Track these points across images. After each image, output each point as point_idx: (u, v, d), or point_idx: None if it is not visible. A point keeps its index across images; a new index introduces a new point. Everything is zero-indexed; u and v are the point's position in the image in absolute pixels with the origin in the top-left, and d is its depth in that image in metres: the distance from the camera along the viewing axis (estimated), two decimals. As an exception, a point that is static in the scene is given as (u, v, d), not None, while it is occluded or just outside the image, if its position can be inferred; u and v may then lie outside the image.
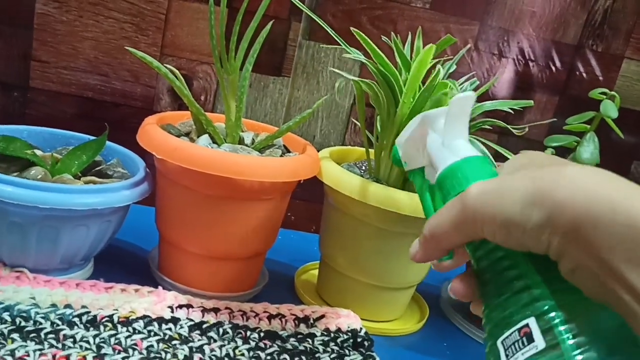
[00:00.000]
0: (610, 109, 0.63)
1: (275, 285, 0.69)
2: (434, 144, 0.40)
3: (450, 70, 0.67)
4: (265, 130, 0.68)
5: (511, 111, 0.64)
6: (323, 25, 0.61)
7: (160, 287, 0.58)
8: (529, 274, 0.32)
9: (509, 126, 0.60)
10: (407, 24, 0.89)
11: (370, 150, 0.67)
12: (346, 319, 0.61)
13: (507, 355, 0.32)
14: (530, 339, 0.30)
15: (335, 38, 0.61)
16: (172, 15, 0.84)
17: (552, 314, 0.30)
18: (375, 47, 0.59)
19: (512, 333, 0.31)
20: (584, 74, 0.97)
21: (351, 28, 0.59)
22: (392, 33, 0.63)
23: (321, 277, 0.69)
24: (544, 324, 0.30)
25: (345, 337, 0.59)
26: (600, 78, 0.98)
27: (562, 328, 0.30)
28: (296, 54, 0.88)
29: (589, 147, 0.64)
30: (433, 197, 0.41)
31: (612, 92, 0.64)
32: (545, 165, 0.35)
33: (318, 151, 0.65)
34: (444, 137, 0.39)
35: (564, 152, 0.68)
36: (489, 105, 0.62)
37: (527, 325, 0.31)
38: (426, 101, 0.57)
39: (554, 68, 0.96)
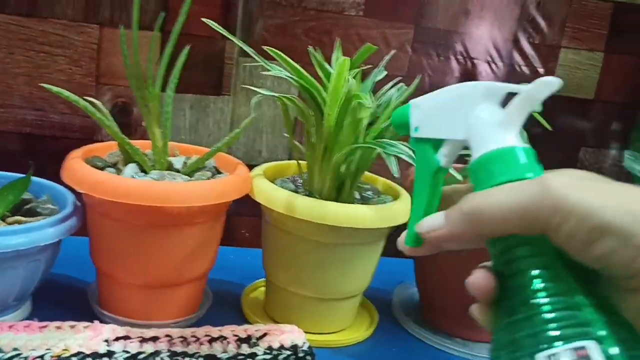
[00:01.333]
0: (533, 104, 0.63)
1: (222, 306, 0.69)
2: (485, 120, 0.34)
3: (379, 77, 0.68)
4: (198, 153, 0.68)
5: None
6: (237, 43, 0.61)
7: (97, 321, 0.58)
8: (577, 293, 0.29)
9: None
10: (342, 32, 0.90)
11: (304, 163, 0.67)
12: (289, 335, 0.61)
13: None
14: None
15: (253, 55, 0.61)
16: (105, 44, 0.84)
17: (615, 348, 0.27)
18: (292, 62, 0.60)
19: (562, 351, 0.28)
20: (524, 68, 0.98)
21: (264, 47, 0.59)
22: (311, 47, 0.64)
23: (267, 294, 0.69)
24: (606, 353, 0.27)
25: (288, 353, 0.59)
26: (541, 70, 0.99)
27: None
28: (234, 72, 0.88)
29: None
30: (435, 182, 0.37)
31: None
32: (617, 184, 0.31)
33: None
34: (505, 116, 0.34)
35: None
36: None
37: (584, 347, 0.27)
38: (346, 112, 0.58)
39: (494, 64, 0.97)
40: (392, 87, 0.66)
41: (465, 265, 0.67)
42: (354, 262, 0.64)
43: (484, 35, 0.95)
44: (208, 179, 0.61)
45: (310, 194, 0.64)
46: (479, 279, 0.32)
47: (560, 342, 0.28)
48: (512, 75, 0.97)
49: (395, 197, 0.67)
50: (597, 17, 0.99)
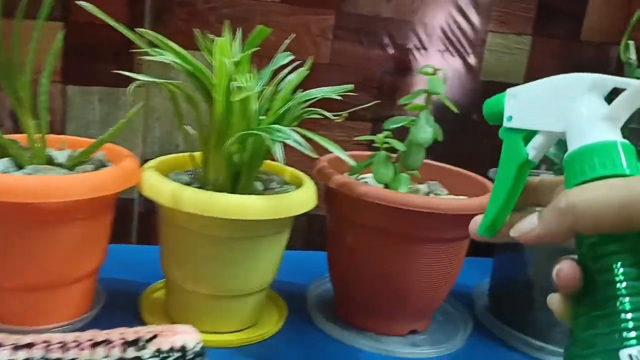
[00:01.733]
0: (436, 85, 0.61)
1: (119, 308, 0.65)
2: (589, 112, 0.33)
3: (282, 62, 0.64)
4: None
5: (339, 97, 0.61)
6: (128, 35, 0.57)
7: (-33, 328, 0.53)
8: None
9: (327, 113, 0.57)
10: (259, 19, 0.86)
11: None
12: (182, 336, 0.57)
13: None
14: None
15: (136, 41, 0.57)
16: (3, 34, 0.79)
17: None
18: (177, 47, 0.56)
19: None
20: (452, 53, 0.96)
21: (138, 29, 0.55)
22: (198, 32, 0.60)
23: (167, 293, 0.66)
24: None
25: (177, 355, 0.55)
26: (471, 56, 0.96)
27: None
28: (144, 62, 0.84)
29: (424, 127, 0.62)
30: (520, 175, 0.36)
31: (440, 68, 0.62)
32: None
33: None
34: (611, 110, 0.33)
35: (405, 132, 0.66)
36: (306, 94, 0.60)
37: None
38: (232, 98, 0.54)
39: (420, 51, 0.94)
40: (290, 71, 0.63)
41: (378, 259, 0.65)
42: (252, 256, 0.60)
43: (408, 20, 0.92)
44: (92, 171, 0.57)
45: (202, 186, 0.60)
46: (566, 269, 0.32)
47: None
48: (440, 61, 0.95)
49: (300, 186, 0.63)
50: (524, 1, 0.97)
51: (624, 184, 0.30)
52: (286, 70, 0.63)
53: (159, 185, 0.57)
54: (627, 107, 0.33)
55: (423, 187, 0.70)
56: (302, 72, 0.59)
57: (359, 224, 0.63)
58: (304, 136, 0.55)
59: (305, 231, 0.97)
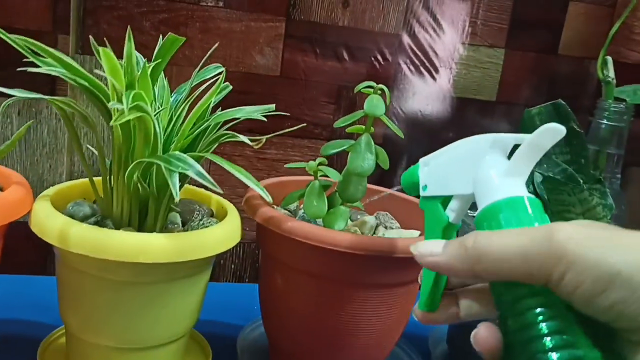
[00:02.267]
0: (375, 106, 0.52)
1: (14, 356, 0.56)
2: (491, 171, 0.33)
3: (207, 76, 0.56)
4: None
5: (264, 119, 0.52)
6: (8, 41, 0.48)
7: None
8: (583, 346, 0.28)
9: (243, 138, 0.48)
10: (199, 26, 0.78)
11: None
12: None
13: None
14: None
15: (18, 48, 0.48)
16: None
17: None
18: (65, 58, 0.47)
19: None
20: (418, 66, 0.88)
21: (15, 37, 0.47)
22: (91, 37, 0.51)
23: (67, 344, 0.57)
24: None
25: None
26: (438, 67, 0.88)
27: None
28: (69, 71, 0.75)
29: (364, 154, 0.53)
30: (447, 236, 0.37)
31: (381, 85, 0.53)
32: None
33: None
34: (510, 167, 0.33)
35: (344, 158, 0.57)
36: (223, 114, 0.51)
37: None
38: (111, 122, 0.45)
39: (380, 62, 0.86)
40: (215, 82, 0.54)
41: (309, 305, 0.56)
42: (160, 303, 0.51)
43: (366, 29, 0.84)
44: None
45: (101, 221, 0.52)
46: (482, 332, 0.31)
47: None
48: (402, 75, 0.87)
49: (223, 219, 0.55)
50: (497, 10, 0.89)
51: (529, 232, 0.29)
52: (207, 86, 0.54)
53: (45, 220, 0.48)
54: (525, 162, 0.33)
55: (370, 220, 0.62)
56: (219, 86, 0.51)
57: (287, 264, 0.55)
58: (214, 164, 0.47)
59: (241, 260, 0.88)
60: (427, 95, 0.89)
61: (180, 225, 0.56)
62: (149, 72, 0.47)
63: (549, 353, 0.28)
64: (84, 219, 0.52)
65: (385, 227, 0.63)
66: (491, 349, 0.31)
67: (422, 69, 0.88)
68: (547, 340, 0.29)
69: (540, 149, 0.33)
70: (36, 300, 0.65)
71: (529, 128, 0.64)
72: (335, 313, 0.54)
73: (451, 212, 0.37)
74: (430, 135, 0.90)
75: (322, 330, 0.56)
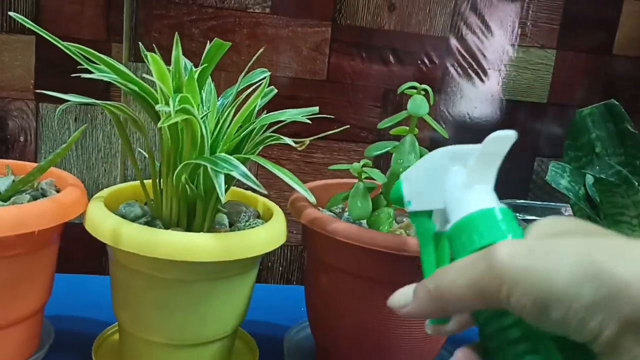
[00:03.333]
0: (419, 106, 0.52)
1: (70, 351, 0.59)
2: (454, 185, 0.34)
3: (253, 80, 0.57)
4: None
5: (308, 121, 0.53)
6: (64, 49, 0.51)
7: None
8: None
9: (288, 140, 0.49)
10: (247, 32, 0.80)
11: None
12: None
13: None
14: None
15: (73, 55, 0.51)
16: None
17: None
18: (117, 64, 0.49)
19: None
20: (467, 69, 0.87)
21: (69, 44, 0.49)
22: (141, 45, 0.53)
23: (120, 340, 0.59)
24: None
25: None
26: (488, 69, 0.87)
27: None
28: (123, 78, 0.78)
29: (408, 155, 0.53)
30: (438, 247, 0.36)
31: (424, 86, 0.53)
32: (597, 234, 0.29)
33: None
34: (469, 178, 0.33)
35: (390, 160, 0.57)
36: (267, 117, 0.52)
37: None
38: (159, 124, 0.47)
39: (427, 66, 0.85)
40: (256, 84, 0.55)
41: (355, 306, 0.56)
42: (208, 301, 0.53)
43: (412, 32, 0.84)
44: (24, 203, 0.51)
45: (151, 221, 0.53)
46: (461, 358, 0.32)
47: None
48: (449, 78, 0.86)
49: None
50: (548, 9, 0.87)
51: (472, 261, 0.29)
52: (252, 90, 0.55)
53: (98, 220, 0.50)
54: (483, 171, 0.32)
55: (416, 222, 0.62)
56: (263, 91, 0.52)
57: (332, 265, 0.55)
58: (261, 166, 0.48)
59: (288, 263, 0.89)
60: (475, 98, 0.88)
61: (228, 226, 0.57)
62: (195, 76, 0.49)
63: None
64: (135, 219, 0.54)
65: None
66: None
67: (470, 71, 0.87)
68: None
69: (495, 157, 0.32)
70: (92, 299, 0.67)
71: (580, 129, 0.63)
72: (380, 314, 0.54)
73: (437, 223, 0.36)
74: (479, 138, 0.88)
75: (367, 332, 0.56)
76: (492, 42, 0.86)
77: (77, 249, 0.80)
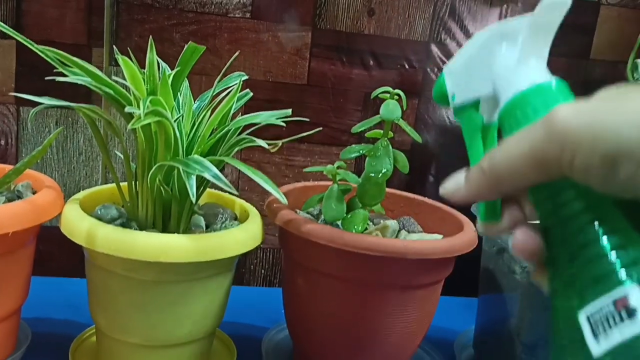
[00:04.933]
0: (391, 111, 0.53)
1: (47, 353, 0.59)
2: (505, 65, 0.31)
3: (228, 85, 0.58)
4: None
5: (282, 124, 0.54)
6: (38, 52, 0.51)
7: None
8: (624, 230, 0.26)
9: (261, 142, 0.50)
10: (227, 36, 0.80)
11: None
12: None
13: (595, 334, 0.25)
14: (632, 313, 0.24)
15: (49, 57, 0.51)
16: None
17: None
18: (89, 67, 0.50)
19: (603, 305, 0.25)
20: (440, 71, 0.88)
21: (45, 48, 0.49)
22: (115, 48, 0.54)
23: (97, 342, 0.59)
24: None
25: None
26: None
27: None
28: (104, 82, 0.78)
29: (382, 159, 0.54)
30: (486, 141, 0.35)
31: (397, 91, 0.54)
32: None
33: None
34: (521, 52, 0.31)
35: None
36: (241, 120, 0.53)
37: (625, 296, 0.24)
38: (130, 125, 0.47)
39: (408, 69, 0.86)
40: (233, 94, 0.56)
41: (330, 307, 0.57)
42: (184, 302, 0.53)
43: (392, 37, 0.85)
44: (1, 204, 0.51)
45: (127, 223, 0.54)
46: (520, 240, 0.30)
47: (600, 295, 0.25)
48: (428, 80, 0.87)
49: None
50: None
51: (529, 131, 0.27)
52: (228, 98, 0.56)
53: (74, 222, 0.51)
54: (537, 44, 0.30)
55: (392, 224, 0.62)
56: (237, 93, 0.52)
57: (307, 267, 0.56)
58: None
59: (271, 266, 0.90)
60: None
61: (204, 228, 0.58)
62: (169, 80, 0.49)
63: (595, 243, 0.26)
64: (111, 221, 0.54)
65: (408, 232, 0.63)
66: (532, 251, 0.30)
67: (449, 75, 0.88)
68: (591, 230, 0.27)
69: (549, 26, 0.30)
70: (70, 301, 0.67)
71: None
72: (356, 315, 0.55)
73: (484, 113, 0.34)
74: (460, 142, 0.89)
75: (343, 332, 0.56)
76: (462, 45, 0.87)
77: (57, 252, 0.81)
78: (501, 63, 0.32)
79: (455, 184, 0.32)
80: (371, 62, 0.85)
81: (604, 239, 0.26)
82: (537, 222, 0.30)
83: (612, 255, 0.25)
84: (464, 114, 0.35)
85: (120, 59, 0.46)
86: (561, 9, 0.30)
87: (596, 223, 0.26)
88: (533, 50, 0.31)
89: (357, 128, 0.55)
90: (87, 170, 0.81)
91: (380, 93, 0.54)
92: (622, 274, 0.25)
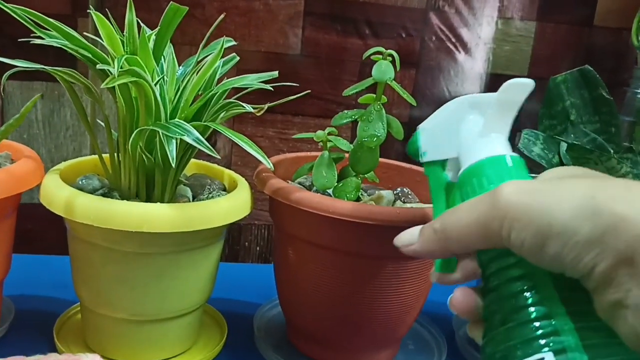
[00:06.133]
0: (384, 72, 0.50)
1: (31, 329, 0.57)
2: (470, 133, 0.35)
3: (215, 49, 0.55)
4: (7, 149, 0.56)
5: (270, 88, 0.51)
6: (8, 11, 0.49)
7: None
8: (552, 301, 0.28)
9: (247, 106, 0.47)
10: (217, 5, 0.77)
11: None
12: (88, 368, 0.49)
13: None
14: None
15: (23, 21, 0.49)
16: None
17: (575, 355, 0.26)
18: (69, 30, 0.47)
19: None
20: (445, 41, 0.85)
21: (15, 6, 0.47)
22: (92, 9, 0.51)
23: (82, 318, 0.57)
24: None
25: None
26: (466, 43, 0.85)
27: None
28: (90, 54, 0.76)
29: (375, 123, 0.52)
30: (449, 197, 0.37)
31: (390, 51, 0.51)
32: (602, 177, 0.30)
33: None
34: (484, 126, 0.34)
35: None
36: (226, 83, 0.50)
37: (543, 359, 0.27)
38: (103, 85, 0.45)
39: (405, 39, 0.84)
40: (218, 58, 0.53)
41: (321, 279, 0.55)
42: (168, 275, 0.51)
43: (390, 5, 0.82)
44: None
45: (108, 193, 0.51)
46: (456, 299, 0.33)
47: (522, 358, 0.28)
48: (426, 49, 0.84)
49: (234, 192, 0.54)
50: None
51: (478, 201, 0.30)
52: (211, 58, 0.53)
53: (52, 191, 0.49)
54: (499, 118, 0.33)
55: (387, 194, 0.60)
56: (219, 54, 0.50)
57: (297, 237, 0.54)
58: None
59: (266, 242, 0.87)
60: (454, 72, 0.86)
61: (191, 198, 0.56)
62: (149, 42, 0.47)
63: (525, 309, 0.29)
64: (92, 192, 0.52)
65: (403, 202, 0.61)
66: (468, 310, 0.32)
67: (448, 44, 0.85)
68: (523, 297, 0.29)
69: (512, 105, 0.33)
70: (56, 279, 0.65)
71: (554, 97, 0.61)
72: (348, 286, 0.53)
73: (449, 172, 0.37)
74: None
75: (334, 304, 0.54)
76: (471, 15, 0.84)
77: (46, 230, 0.79)
78: (467, 131, 0.35)
79: (410, 237, 0.34)
80: (367, 31, 0.82)
81: (533, 308, 0.28)
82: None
83: (537, 324, 0.28)
84: (431, 170, 0.38)
85: (94, 14, 0.44)
86: (524, 89, 0.33)
87: (529, 292, 0.29)
88: (495, 124, 0.33)
89: (348, 91, 0.53)
90: (74, 145, 0.78)
91: (372, 54, 0.51)
92: (542, 341, 0.27)
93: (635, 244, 0.24)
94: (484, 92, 0.87)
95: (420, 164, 0.39)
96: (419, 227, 0.34)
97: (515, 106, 0.33)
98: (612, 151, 0.57)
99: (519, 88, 0.33)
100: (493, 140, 0.33)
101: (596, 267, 0.26)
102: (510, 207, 0.28)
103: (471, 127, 0.34)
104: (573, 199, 0.26)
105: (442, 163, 0.37)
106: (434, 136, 0.38)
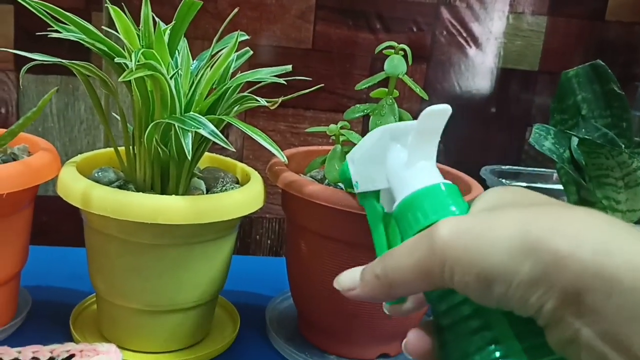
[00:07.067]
0: (396, 66, 0.51)
1: (47, 319, 0.58)
2: (395, 165, 0.33)
3: (228, 42, 0.55)
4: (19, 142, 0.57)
5: (283, 82, 0.52)
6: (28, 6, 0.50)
7: None
8: (506, 339, 0.27)
9: (261, 100, 0.48)
10: (229, 0, 0.78)
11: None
12: (103, 357, 0.50)
13: None
14: None
15: (41, 16, 0.49)
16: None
17: None
18: (84, 23, 0.48)
19: None
20: (456, 36, 0.85)
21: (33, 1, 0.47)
22: (108, 3, 0.52)
23: (97, 308, 0.58)
24: None
25: (85, 381, 0.47)
26: (476, 37, 0.86)
27: None
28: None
29: (387, 117, 0.52)
30: (387, 228, 0.36)
31: (402, 45, 0.52)
32: (537, 204, 0.28)
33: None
34: (409, 157, 0.32)
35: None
36: (240, 77, 0.51)
37: None
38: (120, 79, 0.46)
39: (417, 33, 0.84)
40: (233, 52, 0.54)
41: (332, 271, 0.55)
42: (184, 266, 0.52)
43: (401, 0, 0.82)
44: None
45: (124, 185, 0.52)
46: (412, 339, 0.31)
47: None
48: (437, 44, 0.85)
49: (248, 186, 0.55)
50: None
51: (415, 243, 0.28)
52: (225, 52, 0.54)
53: (69, 183, 0.50)
54: (423, 147, 0.32)
55: (398, 187, 0.60)
56: (234, 48, 0.50)
57: (310, 229, 0.54)
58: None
59: (277, 236, 0.88)
60: (465, 67, 0.86)
61: (205, 191, 0.56)
62: (165, 35, 0.48)
63: (479, 349, 0.28)
64: (108, 184, 0.53)
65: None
66: (423, 353, 0.31)
67: (459, 39, 0.85)
68: (476, 337, 0.28)
69: (433, 132, 0.32)
70: (73, 270, 0.66)
71: (565, 91, 0.61)
72: (359, 279, 0.53)
73: (385, 204, 0.36)
74: (470, 108, 0.87)
75: (343, 296, 0.55)
76: (482, 9, 0.84)
77: (62, 223, 0.80)
78: (393, 162, 0.33)
79: (350, 281, 0.32)
80: (378, 26, 0.82)
81: (488, 348, 0.27)
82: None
83: None
84: (366, 201, 0.37)
85: (111, 9, 0.44)
86: (442, 116, 0.31)
87: (483, 331, 0.28)
88: (421, 153, 0.32)
89: (361, 85, 0.53)
90: (89, 139, 0.79)
91: (384, 48, 0.52)
92: None
93: (578, 283, 0.23)
94: (496, 86, 0.87)
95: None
96: (360, 268, 0.32)
97: (437, 133, 0.32)
98: (623, 146, 0.58)
99: (438, 115, 0.31)
100: (422, 169, 0.32)
101: (543, 307, 0.25)
102: (448, 250, 0.26)
103: (397, 158, 0.33)
104: (509, 237, 0.25)
105: (376, 194, 0.36)
106: (364, 166, 0.36)
